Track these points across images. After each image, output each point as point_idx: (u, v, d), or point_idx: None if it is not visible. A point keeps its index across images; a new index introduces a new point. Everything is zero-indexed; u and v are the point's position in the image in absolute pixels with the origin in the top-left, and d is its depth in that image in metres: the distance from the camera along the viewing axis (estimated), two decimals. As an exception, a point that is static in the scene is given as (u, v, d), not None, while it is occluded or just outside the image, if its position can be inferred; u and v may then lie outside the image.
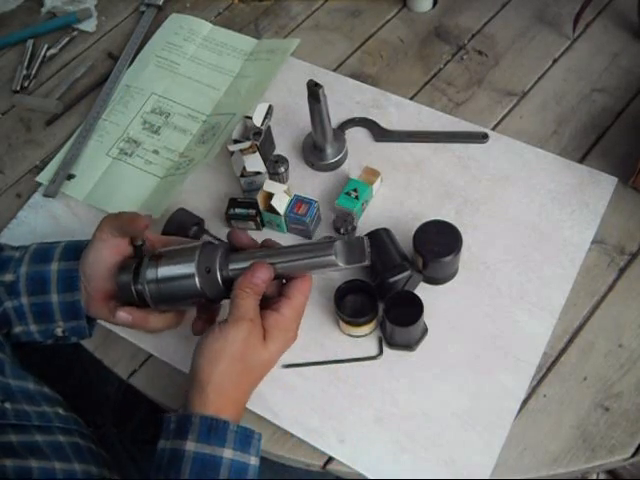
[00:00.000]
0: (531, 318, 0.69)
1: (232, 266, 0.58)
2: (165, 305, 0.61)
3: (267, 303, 0.58)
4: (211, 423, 0.53)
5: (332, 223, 0.74)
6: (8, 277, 0.64)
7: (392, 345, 0.68)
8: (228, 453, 0.53)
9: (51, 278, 0.63)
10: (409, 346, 0.67)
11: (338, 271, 0.57)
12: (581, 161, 0.79)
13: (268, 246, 0.61)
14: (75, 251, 0.65)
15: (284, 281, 0.60)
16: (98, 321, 0.74)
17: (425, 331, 0.68)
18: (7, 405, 0.57)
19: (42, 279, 0.63)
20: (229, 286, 0.58)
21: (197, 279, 0.58)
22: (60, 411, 0.62)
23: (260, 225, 0.77)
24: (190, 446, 0.53)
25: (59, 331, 0.65)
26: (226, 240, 0.63)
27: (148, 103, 0.91)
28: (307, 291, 0.58)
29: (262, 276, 0.56)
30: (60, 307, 0.64)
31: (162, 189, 0.82)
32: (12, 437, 0.55)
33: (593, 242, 0.73)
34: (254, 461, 0.55)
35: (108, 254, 0.62)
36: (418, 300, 0.65)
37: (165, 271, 0.59)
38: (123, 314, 0.61)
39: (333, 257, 0.55)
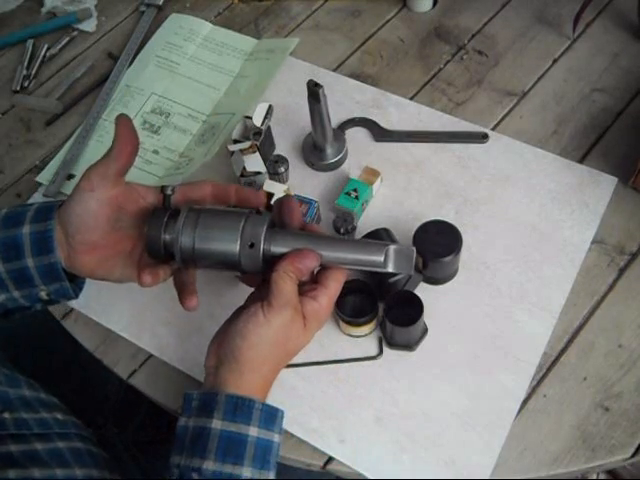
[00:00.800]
0: (531, 318, 0.69)
1: (276, 245, 0.56)
2: (192, 264, 0.57)
3: (302, 289, 0.56)
4: (237, 402, 0.53)
5: (332, 223, 0.74)
6: None
7: (392, 345, 0.68)
8: (254, 431, 0.53)
9: (24, 242, 0.59)
10: (409, 346, 0.67)
11: (379, 272, 0.57)
12: (581, 161, 0.79)
13: (312, 231, 0.59)
14: (47, 210, 0.60)
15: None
16: (98, 321, 0.74)
17: (425, 331, 0.68)
18: (6, 415, 0.56)
19: (15, 244, 0.59)
20: (267, 263, 0.56)
21: (238, 250, 0.55)
22: (58, 416, 0.62)
23: (260, 225, 0.77)
24: (216, 424, 0.52)
25: (43, 294, 0.61)
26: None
27: (148, 103, 0.91)
28: (343, 281, 0.57)
29: (309, 264, 0.55)
30: (38, 271, 0.59)
31: (162, 189, 0.82)
32: (12, 447, 0.54)
33: (593, 242, 0.73)
34: (277, 438, 0.55)
35: (97, 206, 0.57)
36: (418, 300, 0.65)
37: (205, 234, 0.55)
38: (147, 277, 0.57)
39: (382, 259, 0.55)
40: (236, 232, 0.55)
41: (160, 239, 0.56)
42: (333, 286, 0.56)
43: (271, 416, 0.54)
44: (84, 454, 0.60)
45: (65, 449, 0.59)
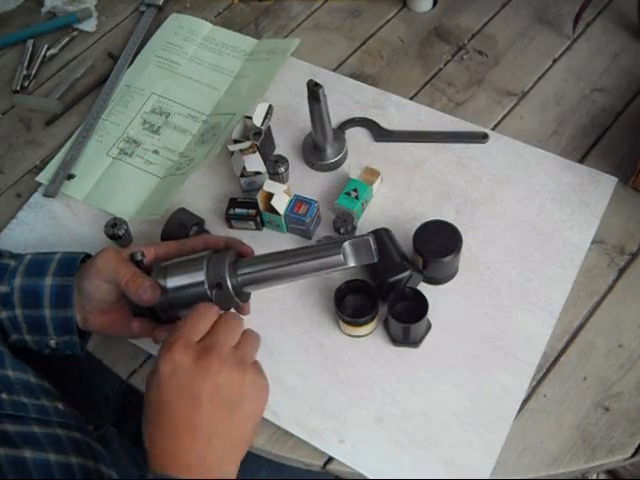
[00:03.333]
0: (531, 318, 0.69)
1: (243, 274, 0.60)
2: (174, 314, 0.62)
3: None
4: None
5: (332, 223, 0.74)
6: (2, 288, 0.64)
7: (397, 342, 0.68)
8: None
9: (44, 293, 0.63)
10: (414, 343, 0.68)
11: (344, 270, 0.58)
12: (581, 161, 0.79)
13: (229, 246, 0.63)
14: (70, 266, 0.64)
15: None
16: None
17: (429, 327, 0.68)
18: (4, 395, 0.57)
19: (36, 293, 0.63)
20: (239, 292, 0.60)
21: (207, 288, 0.59)
22: (60, 406, 0.63)
23: (260, 225, 0.77)
24: None
25: (52, 343, 0.65)
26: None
27: (148, 103, 0.91)
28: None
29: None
30: (53, 322, 0.64)
31: (162, 189, 0.82)
32: (8, 426, 0.55)
33: (593, 242, 0.73)
34: None
35: (106, 287, 0.62)
36: (422, 297, 0.65)
37: (173, 285, 0.60)
38: (137, 324, 0.62)
39: (341, 257, 0.56)
40: (201, 273, 0.59)
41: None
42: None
43: None
44: (82, 445, 0.60)
45: (64, 436, 0.59)
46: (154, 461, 0.47)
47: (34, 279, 0.64)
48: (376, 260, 0.57)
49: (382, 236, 0.70)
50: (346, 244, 0.57)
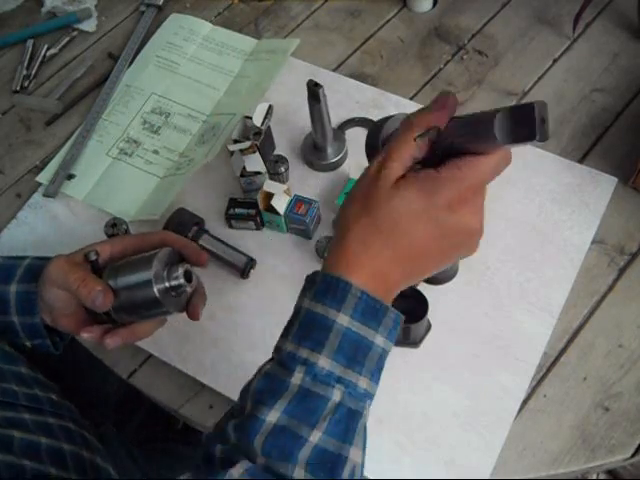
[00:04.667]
0: (531, 318, 0.69)
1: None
2: (127, 316, 0.59)
3: None
4: (330, 281, 0.45)
5: (332, 223, 0.74)
6: None
7: (397, 342, 0.67)
8: (343, 319, 0.44)
9: (10, 300, 0.63)
10: (414, 343, 0.67)
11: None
12: (581, 161, 0.79)
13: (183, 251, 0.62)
14: (35, 273, 0.63)
15: None
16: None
17: (429, 327, 0.68)
18: None
19: (2, 300, 0.63)
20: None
21: (155, 287, 0.56)
22: (53, 397, 0.62)
23: (260, 225, 0.77)
24: (305, 303, 0.45)
25: (28, 344, 0.65)
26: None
27: (148, 103, 0.91)
28: (483, 161, 0.46)
29: (440, 103, 0.45)
30: (21, 327, 0.63)
31: (162, 189, 0.82)
32: None
33: (593, 242, 0.73)
34: (381, 341, 0.45)
35: (65, 295, 0.60)
36: (422, 296, 0.65)
37: (123, 281, 0.57)
38: (86, 334, 0.60)
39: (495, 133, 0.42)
40: (150, 270, 0.57)
41: None
42: (467, 162, 0.44)
43: (372, 309, 0.45)
44: (75, 435, 0.60)
45: (55, 425, 0.58)
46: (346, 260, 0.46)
47: (1, 286, 0.63)
48: (539, 139, 0.43)
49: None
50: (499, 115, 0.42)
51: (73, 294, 0.58)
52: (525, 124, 0.42)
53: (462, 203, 0.45)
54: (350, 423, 0.44)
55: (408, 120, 0.46)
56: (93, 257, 0.59)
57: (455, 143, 0.44)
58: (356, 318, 0.44)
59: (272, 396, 0.43)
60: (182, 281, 0.57)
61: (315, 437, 0.42)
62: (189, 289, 0.58)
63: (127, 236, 0.66)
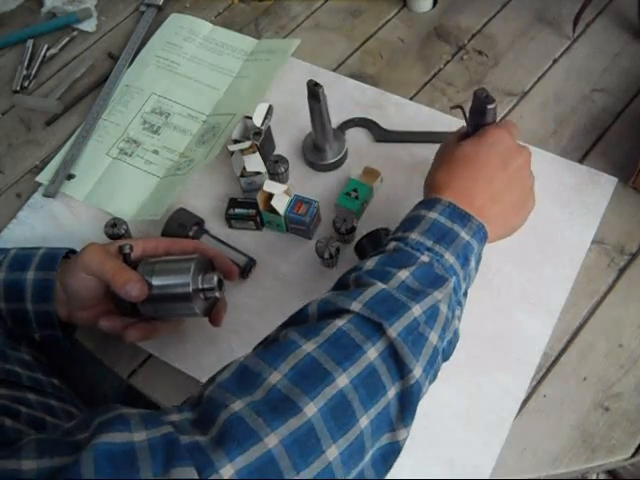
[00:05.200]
0: (531, 318, 0.69)
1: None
2: (154, 311, 0.62)
3: None
4: (423, 201, 0.58)
5: (332, 223, 0.74)
6: None
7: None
8: (433, 214, 0.56)
9: (26, 287, 0.63)
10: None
11: None
12: (581, 161, 0.79)
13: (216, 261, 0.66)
14: (51, 261, 0.64)
15: None
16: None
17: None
18: None
19: (18, 287, 0.63)
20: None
21: (191, 286, 0.59)
22: (55, 382, 0.63)
23: (260, 225, 0.77)
24: (432, 215, 0.56)
25: (37, 336, 0.65)
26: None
27: (148, 103, 0.91)
28: (495, 126, 0.62)
29: None
30: (35, 315, 0.64)
31: (162, 189, 0.82)
32: (1, 390, 0.54)
33: (593, 242, 0.73)
34: (465, 235, 0.55)
35: (93, 283, 0.61)
36: None
37: (161, 277, 0.60)
38: (105, 323, 0.62)
39: None
40: (187, 274, 0.59)
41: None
42: (489, 128, 0.61)
43: (457, 214, 0.56)
44: (77, 417, 0.60)
45: (58, 407, 0.59)
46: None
47: (16, 273, 0.64)
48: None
49: (382, 236, 0.70)
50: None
51: (106, 281, 0.59)
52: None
53: (512, 154, 0.60)
54: (436, 281, 0.51)
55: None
56: (127, 250, 0.62)
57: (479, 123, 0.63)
58: (445, 215, 0.55)
59: (371, 257, 0.53)
60: (214, 286, 0.60)
61: (403, 275, 0.50)
62: (218, 295, 0.62)
63: (160, 237, 0.68)
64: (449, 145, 0.62)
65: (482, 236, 0.56)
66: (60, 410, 0.59)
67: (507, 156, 0.59)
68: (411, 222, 0.56)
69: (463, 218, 0.56)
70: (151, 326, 0.63)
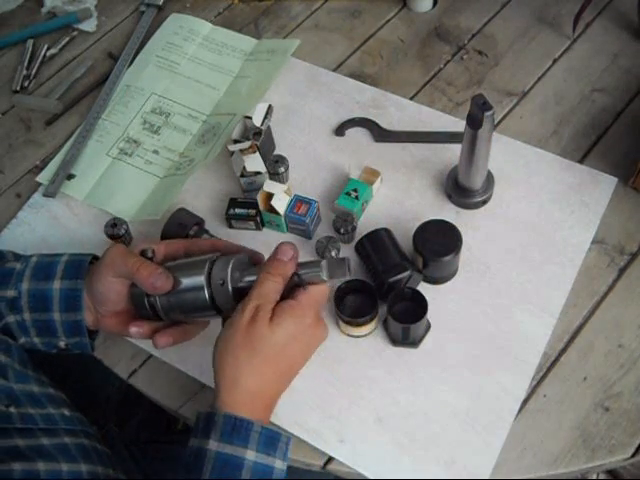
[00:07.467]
0: (531, 318, 0.69)
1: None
2: (176, 316, 0.62)
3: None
4: (235, 422, 0.52)
5: (332, 223, 0.74)
6: (10, 293, 0.64)
7: (397, 343, 0.68)
8: (251, 454, 0.52)
9: (53, 297, 0.63)
10: (414, 343, 0.68)
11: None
12: (581, 161, 0.79)
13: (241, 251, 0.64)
14: (78, 268, 0.64)
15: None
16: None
17: (428, 327, 0.68)
18: (12, 409, 0.57)
19: (44, 297, 0.63)
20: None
21: (206, 291, 0.59)
22: (65, 412, 0.63)
23: (260, 225, 0.77)
24: (212, 445, 0.52)
25: (62, 344, 0.65)
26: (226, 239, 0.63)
27: (148, 103, 0.91)
28: (323, 288, 0.58)
29: (287, 253, 0.57)
30: (62, 325, 0.64)
31: (162, 189, 0.82)
32: (18, 441, 0.55)
33: (593, 242, 0.73)
34: (280, 464, 0.54)
35: (120, 286, 0.61)
36: (421, 297, 0.65)
37: (185, 278, 0.60)
38: (134, 329, 0.62)
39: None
40: (202, 275, 0.59)
41: (143, 300, 0.61)
42: (312, 289, 0.57)
43: (272, 440, 0.54)
44: (90, 451, 0.61)
45: (71, 445, 0.59)
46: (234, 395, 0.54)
47: (42, 283, 0.63)
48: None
49: (382, 236, 0.70)
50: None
51: (130, 277, 0.60)
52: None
53: (317, 316, 0.58)
54: None
55: (267, 272, 0.57)
56: (150, 254, 0.62)
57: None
58: (260, 451, 0.53)
59: None
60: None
61: None
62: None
63: (179, 240, 0.68)
64: (261, 327, 0.55)
65: (275, 440, 0.54)
66: (74, 448, 0.59)
67: (321, 331, 0.59)
68: (195, 463, 0.53)
69: (241, 432, 0.53)
70: (181, 330, 0.63)
